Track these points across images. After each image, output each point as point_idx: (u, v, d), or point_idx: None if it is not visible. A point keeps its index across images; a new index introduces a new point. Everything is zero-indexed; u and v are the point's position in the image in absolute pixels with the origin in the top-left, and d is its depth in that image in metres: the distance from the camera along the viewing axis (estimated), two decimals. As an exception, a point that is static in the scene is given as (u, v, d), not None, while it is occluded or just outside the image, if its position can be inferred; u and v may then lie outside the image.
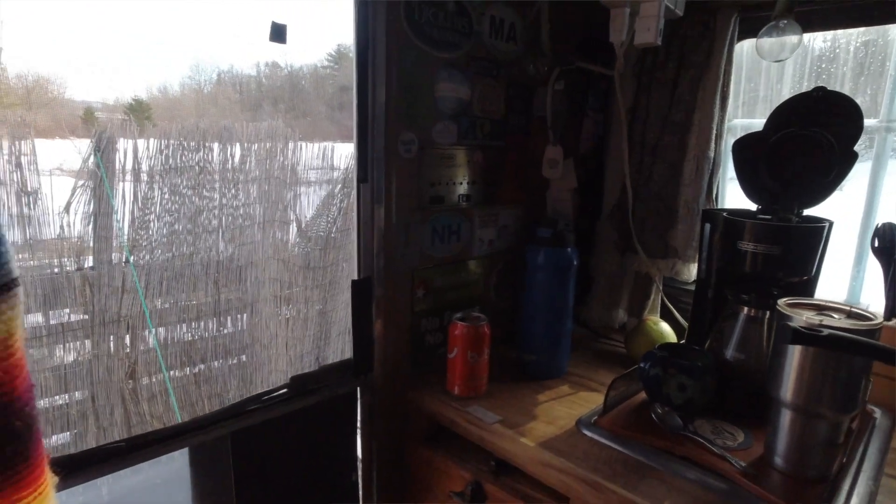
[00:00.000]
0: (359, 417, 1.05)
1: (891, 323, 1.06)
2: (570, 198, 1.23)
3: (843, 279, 1.35)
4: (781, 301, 0.82)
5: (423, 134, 1.02)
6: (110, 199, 2.28)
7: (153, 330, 2.49)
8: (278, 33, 0.79)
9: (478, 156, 1.14)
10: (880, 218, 1.26)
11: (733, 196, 1.33)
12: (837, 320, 0.76)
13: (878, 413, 1.02)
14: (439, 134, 1.05)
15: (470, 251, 1.17)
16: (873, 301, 1.28)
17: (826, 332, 0.62)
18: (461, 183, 1.12)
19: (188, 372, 2.75)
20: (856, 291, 1.35)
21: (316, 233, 3.26)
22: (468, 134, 1.11)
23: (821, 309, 0.83)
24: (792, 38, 0.88)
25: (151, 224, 2.45)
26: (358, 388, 1.03)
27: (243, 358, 3.05)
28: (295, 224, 3.22)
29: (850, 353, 0.67)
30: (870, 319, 0.76)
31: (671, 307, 1.28)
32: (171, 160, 2.47)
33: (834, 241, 1.28)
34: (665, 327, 1.22)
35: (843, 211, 1.29)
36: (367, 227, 0.97)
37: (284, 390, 0.91)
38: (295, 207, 3.17)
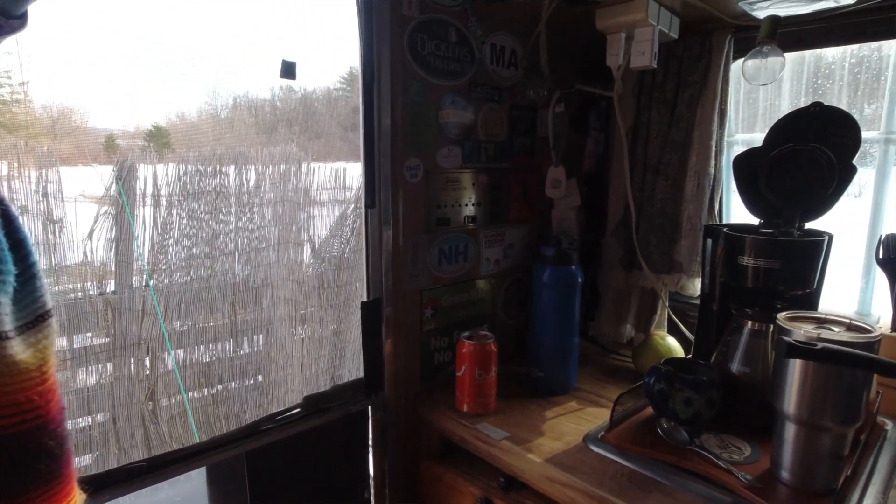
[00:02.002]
0: (370, 435, 1.08)
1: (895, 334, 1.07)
2: (575, 216, 1.25)
3: (854, 289, 1.35)
4: (781, 315, 0.83)
5: (429, 159, 1.06)
6: (131, 225, 2.36)
7: (172, 352, 2.54)
8: (288, 71, 0.84)
9: (482, 178, 1.17)
10: (886, 229, 1.27)
11: (739, 210, 1.34)
12: (836, 333, 0.77)
13: (889, 425, 1.02)
14: (444, 158, 1.08)
15: (477, 271, 1.20)
16: (884, 311, 1.28)
17: (820, 345, 0.64)
18: (467, 205, 1.15)
19: (206, 393, 2.80)
20: (866, 302, 1.35)
21: (329, 253, 3.31)
22: (472, 157, 1.14)
23: (821, 322, 0.84)
24: (776, 63, 0.91)
25: (170, 248, 2.52)
26: (369, 407, 1.06)
27: (259, 378, 3.09)
28: (309, 245, 3.28)
29: (845, 365, 0.68)
30: (869, 332, 0.77)
31: (678, 322, 1.29)
32: (188, 186, 2.55)
33: (846, 250, 1.29)
34: (672, 342, 1.23)
35: (861, 218, 1.30)
36: (375, 250, 1.00)
37: (298, 409, 0.94)
38: (308, 228, 3.23)
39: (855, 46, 1.17)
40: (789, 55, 1.26)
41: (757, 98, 1.30)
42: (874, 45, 1.15)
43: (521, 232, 1.28)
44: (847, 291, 1.36)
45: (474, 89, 1.12)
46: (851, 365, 0.66)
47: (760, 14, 0.90)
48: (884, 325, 1.09)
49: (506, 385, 1.17)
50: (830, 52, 1.21)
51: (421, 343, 1.12)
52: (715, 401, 0.95)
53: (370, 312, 1.01)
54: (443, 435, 1.07)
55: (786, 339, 0.64)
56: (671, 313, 1.30)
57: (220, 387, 2.89)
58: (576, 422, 1.04)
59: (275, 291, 3.08)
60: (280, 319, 3.13)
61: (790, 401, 0.79)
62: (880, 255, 1.10)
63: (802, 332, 0.77)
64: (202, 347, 2.75)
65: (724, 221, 1.40)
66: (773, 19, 0.87)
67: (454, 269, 1.15)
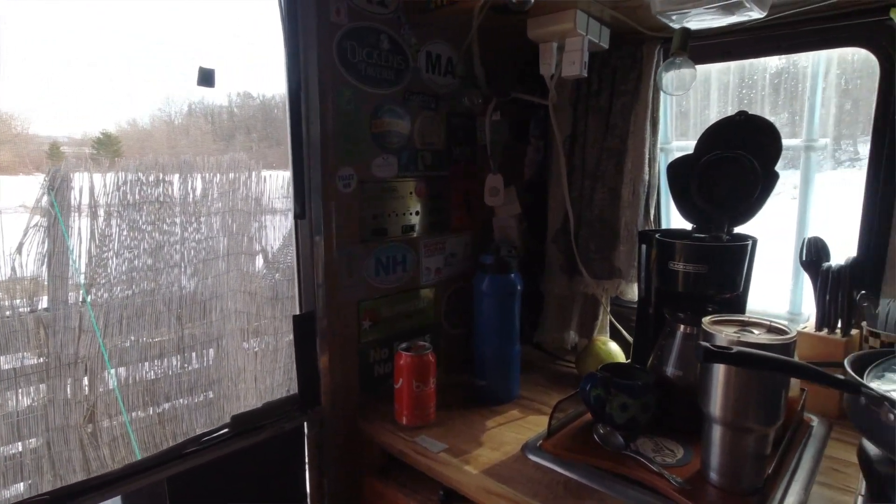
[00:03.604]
0: (307, 453, 1.04)
1: (822, 333, 1.11)
2: (516, 224, 1.26)
3: (787, 290, 1.40)
4: (706, 319, 0.85)
5: (363, 168, 1.04)
6: (65, 238, 2.24)
7: (112, 371, 2.42)
8: (206, 78, 0.80)
9: (420, 187, 1.16)
10: (811, 232, 1.32)
11: (679, 216, 1.37)
12: (755, 336, 0.79)
13: (815, 421, 1.05)
14: (379, 168, 1.07)
15: (417, 280, 1.19)
16: (814, 310, 1.33)
17: (735, 349, 0.65)
18: (404, 214, 1.14)
19: (152, 412, 2.68)
20: (796, 302, 1.40)
21: (284, 263, 3.23)
22: (410, 166, 1.13)
23: (744, 325, 0.86)
24: (688, 74, 0.93)
25: (110, 261, 2.41)
26: (305, 423, 1.03)
27: (210, 394, 2.98)
28: (262, 255, 3.20)
29: (758, 368, 0.69)
30: (786, 334, 0.79)
31: (619, 326, 1.31)
32: (129, 196, 2.44)
33: (782, 251, 1.33)
34: (613, 347, 1.24)
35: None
36: (306, 262, 0.98)
37: (225, 430, 0.90)
38: (261, 238, 3.15)
39: (775, 58, 1.21)
40: (717, 66, 1.31)
41: (688, 108, 1.34)
42: (792, 57, 1.20)
43: (463, 240, 1.28)
44: (781, 291, 1.41)
45: (410, 97, 1.11)
46: (764, 368, 0.68)
47: (677, 25, 0.93)
48: (810, 325, 1.13)
49: (449, 395, 1.16)
50: (753, 63, 1.26)
51: (359, 355, 1.09)
52: (650, 405, 0.96)
53: (303, 326, 0.99)
54: (384, 449, 1.05)
55: (703, 344, 0.65)
56: (612, 318, 1.32)
57: (167, 405, 2.77)
58: (516, 430, 1.04)
59: (225, 303, 2.98)
60: (231, 332, 3.03)
61: (715, 403, 0.80)
62: (804, 258, 1.14)
63: (724, 335, 0.78)
64: (146, 364, 2.63)
65: (664, 227, 1.43)
66: (684, 31, 0.89)
67: (393, 279, 1.13)
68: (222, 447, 0.88)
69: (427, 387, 1.03)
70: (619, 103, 1.19)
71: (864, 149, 1.45)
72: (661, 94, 1.22)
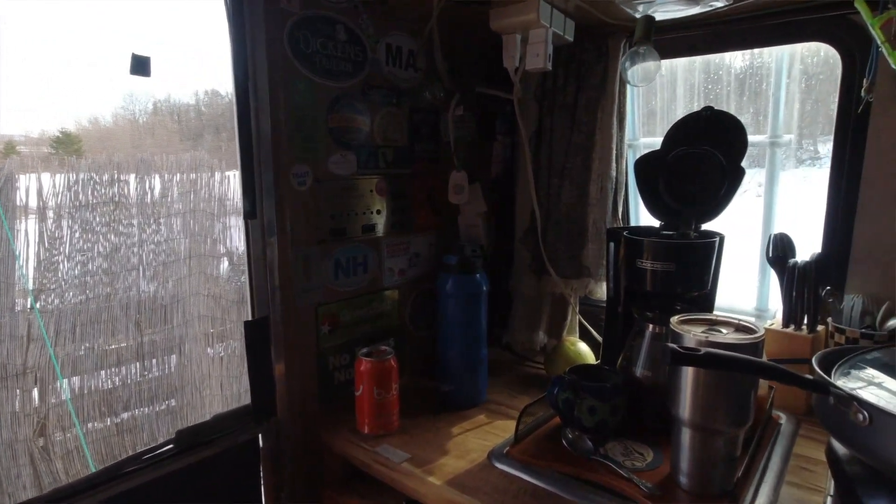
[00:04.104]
0: (262, 466, 0.98)
1: (788, 330, 1.10)
2: (482, 222, 1.22)
3: (754, 286, 1.40)
4: (673, 319, 0.82)
5: (319, 165, 0.99)
6: (10, 242, 2.12)
7: (64, 381, 2.31)
8: (140, 66, 0.74)
9: (382, 185, 1.11)
10: (777, 228, 1.32)
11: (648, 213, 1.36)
12: (723, 335, 0.77)
13: (783, 419, 1.04)
14: (337, 165, 1.02)
15: (380, 282, 1.14)
16: (780, 306, 1.33)
17: (703, 351, 0.62)
18: (364, 213, 1.09)
19: (109, 423, 2.56)
20: (763, 298, 1.40)
21: (250, 265, 3.13)
22: (370, 163, 1.08)
23: (712, 324, 0.84)
24: (652, 65, 0.91)
25: (60, 265, 2.29)
26: (260, 435, 0.97)
27: (172, 402, 2.87)
28: (227, 257, 3.09)
29: (726, 370, 0.67)
30: (754, 332, 0.77)
31: (588, 326, 1.28)
32: (81, 196, 2.33)
33: (749, 248, 1.33)
34: (583, 347, 1.22)
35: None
36: (258, 265, 0.92)
37: (170, 446, 0.84)
38: (226, 240, 3.05)
39: (739, 59, 1.21)
40: (683, 64, 1.30)
41: (655, 103, 1.32)
42: (756, 53, 1.20)
43: (428, 240, 1.23)
44: (748, 288, 1.41)
45: (370, 91, 1.06)
46: (733, 369, 0.65)
47: (639, 15, 0.90)
48: (777, 321, 1.13)
49: (415, 401, 1.12)
50: (718, 63, 1.25)
51: (318, 362, 1.04)
52: (619, 407, 0.94)
53: (256, 332, 0.93)
54: (345, 460, 1.00)
55: (670, 346, 0.62)
56: (582, 318, 1.29)
57: (126, 415, 2.65)
58: (483, 437, 1.00)
59: (188, 307, 2.88)
60: (195, 337, 2.93)
61: (684, 406, 0.78)
62: (770, 254, 1.14)
63: (692, 335, 0.76)
64: (103, 373, 2.51)
65: (633, 224, 1.41)
66: (648, 20, 0.87)
67: (353, 281, 1.08)
68: (167, 465, 0.82)
69: (389, 393, 0.98)
70: (585, 98, 1.16)
71: (824, 148, 1.46)
72: (628, 88, 1.20)
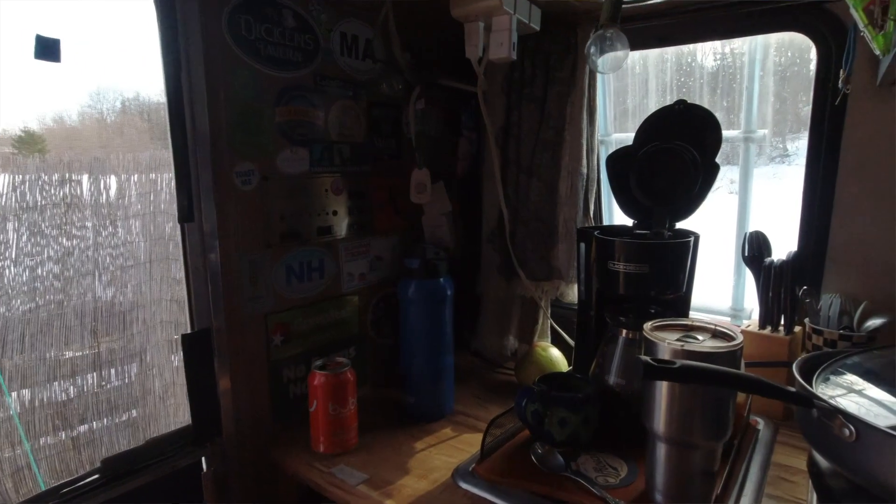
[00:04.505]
0: (205, 493, 0.90)
1: (765, 331, 1.06)
2: (447, 222, 1.15)
3: (730, 284, 1.36)
4: (647, 325, 0.77)
5: (266, 163, 0.91)
6: (-51, 248, 1.98)
7: (11, 394, 2.17)
8: (47, 49, 0.65)
9: (338, 184, 1.04)
10: (752, 226, 1.29)
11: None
12: (699, 343, 0.72)
13: (760, 424, 1.00)
14: (287, 162, 0.94)
15: (338, 288, 1.06)
16: (756, 305, 1.30)
17: (678, 364, 0.56)
18: (319, 214, 1.01)
19: (64, 437, 2.42)
20: (738, 298, 1.37)
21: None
22: (324, 160, 1.01)
23: (688, 329, 0.79)
24: (621, 51, 0.86)
25: (6, 270, 2.15)
26: (203, 458, 0.89)
27: (134, 413, 2.74)
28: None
29: (703, 383, 0.62)
30: (732, 339, 0.72)
31: (560, 331, 1.23)
32: (28, 197, 2.19)
33: (723, 246, 1.29)
34: (554, 353, 1.16)
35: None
36: (198, 272, 0.84)
37: (96, 476, 0.75)
38: (190, 242, 2.92)
39: (712, 50, 1.16)
40: (653, 52, 1.25)
41: (626, 97, 1.27)
42: (730, 46, 1.15)
43: (390, 242, 1.16)
44: (722, 287, 1.37)
45: (323, 83, 0.98)
46: (711, 383, 0.60)
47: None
48: (754, 322, 1.09)
49: (378, 414, 1.05)
50: (690, 51, 1.20)
51: (270, 375, 0.96)
52: (592, 419, 0.88)
53: (195, 346, 0.85)
54: (299, 482, 0.92)
55: (643, 358, 0.57)
56: (553, 322, 1.23)
57: (82, 428, 2.51)
58: (448, 453, 0.94)
59: (148, 314, 2.75)
60: (157, 345, 2.80)
61: (659, 419, 0.72)
62: (745, 253, 1.10)
63: (666, 344, 0.70)
64: (56, 384, 2.38)
65: (606, 224, 1.36)
66: (615, 0, 0.81)
67: (308, 287, 1.00)
68: (91, 497, 0.74)
69: (346, 409, 0.91)
70: (553, 91, 1.10)
71: (792, 146, 1.43)
72: (599, 82, 1.14)
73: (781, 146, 1.60)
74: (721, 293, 1.38)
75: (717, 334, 0.76)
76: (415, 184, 1.08)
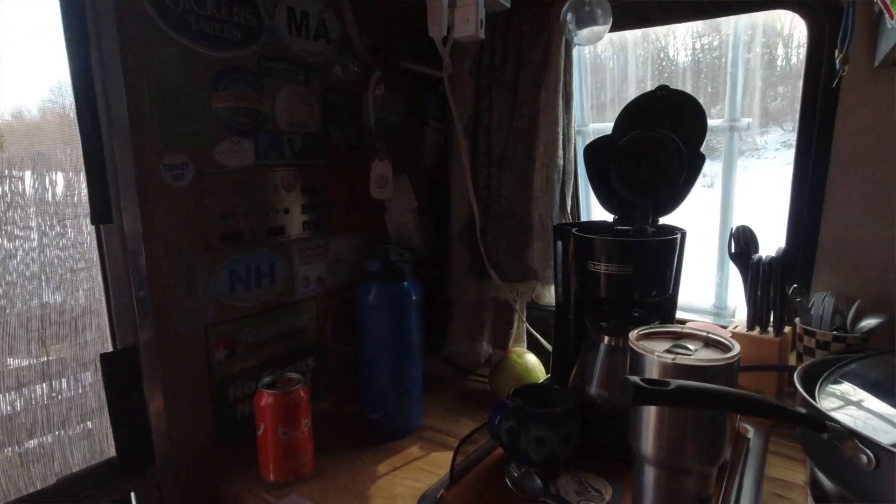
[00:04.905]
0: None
1: (754, 333, 0.99)
2: (414, 220, 1.06)
3: (710, 281, 1.30)
4: (633, 334, 0.69)
5: (202, 155, 0.80)
6: None
7: (-55, 410, 1.99)
8: None
9: (290, 178, 0.93)
10: (736, 220, 1.22)
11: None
12: (693, 353, 0.64)
13: (751, 432, 0.93)
14: (227, 154, 0.83)
15: (291, 293, 0.96)
16: (740, 301, 1.24)
17: (673, 384, 0.48)
18: (268, 213, 0.91)
19: (11, 452, 2.26)
20: (722, 296, 1.30)
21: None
22: (272, 152, 0.90)
23: (677, 337, 0.71)
24: (600, 24, 0.77)
25: (-63, 278, 1.97)
26: (132, 494, 0.78)
27: (89, 424, 2.58)
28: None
29: (702, 406, 0.54)
30: (727, 349, 0.64)
31: (537, 335, 1.14)
32: (-40, 197, 2.01)
33: (702, 241, 1.22)
34: (531, 360, 1.07)
35: (715, 208, 1.24)
36: (120, 281, 0.72)
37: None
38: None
39: (698, 28, 1.09)
40: (634, 34, 1.17)
41: (605, 84, 1.19)
42: (715, 27, 1.08)
43: (351, 242, 1.06)
44: (704, 283, 1.31)
45: (268, 65, 0.87)
46: (711, 405, 0.52)
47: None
48: (741, 322, 1.02)
49: (339, 431, 0.96)
50: (673, 32, 1.13)
51: (214, 395, 0.86)
52: (572, 436, 0.80)
53: (118, 367, 0.73)
54: (246, 514, 0.82)
55: (631, 379, 0.48)
56: (529, 326, 1.15)
57: (32, 442, 2.35)
58: (415, 476, 0.84)
59: (104, 319, 2.58)
60: (114, 351, 2.63)
61: (647, 441, 0.64)
62: (732, 250, 1.02)
63: (656, 357, 0.62)
64: (0, 398, 2.20)
65: (584, 219, 1.28)
66: None
67: (256, 294, 0.90)
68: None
69: (298, 431, 0.81)
70: (526, 76, 1.01)
71: (761, 139, 1.37)
72: (575, 67, 1.06)
73: (751, 140, 1.54)
74: (702, 290, 1.32)
75: (709, 343, 0.68)
76: (375, 177, 0.97)
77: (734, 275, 1.23)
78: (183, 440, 0.81)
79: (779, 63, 1.15)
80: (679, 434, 0.62)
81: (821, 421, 0.51)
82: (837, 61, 0.78)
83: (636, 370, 0.64)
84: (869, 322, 0.90)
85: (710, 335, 0.69)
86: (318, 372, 1.03)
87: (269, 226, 0.91)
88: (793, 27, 1.14)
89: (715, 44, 1.12)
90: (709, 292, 1.32)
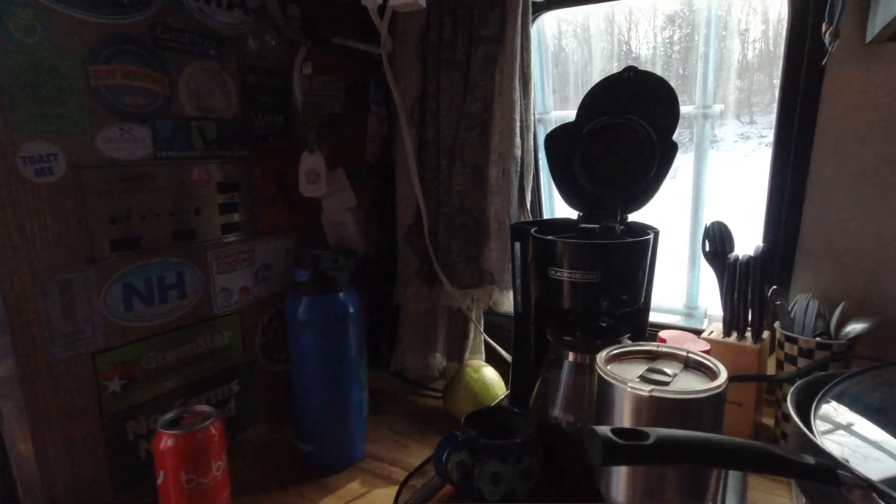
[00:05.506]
0: None
1: (731, 339, 0.90)
2: (352, 219, 0.93)
3: (679, 279, 1.22)
4: (600, 356, 0.58)
5: (78, 144, 0.65)
6: None
7: None
8: None
9: (202, 173, 0.79)
10: (707, 215, 1.13)
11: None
12: (671, 379, 0.53)
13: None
14: (114, 144, 0.68)
15: (208, 307, 0.82)
16: (712, 302, 1.15)
17: (652, 437, 0.37)
18: (174, 214, 0.76)
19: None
20: (693, 295, 1.22)
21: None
22: (177, 142, 0.75)
23: (653, 358, 0.60)
24: None
25: None
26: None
27: None
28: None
29: (691, 463, 0.43)
30: (713, 373, 0.54)
31: (496, 346, 1.03)
32: None
33: (669, 238, 1.13)
34: (489, 375, 0.96)
35: (678, 202, 1.16)
36: (-37, 304, 0.58)
37: None
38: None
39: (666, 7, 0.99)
40: (599, 9, 1.06)
41: (567, 67, 1.08)
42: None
43: (283, 245, 0.93)
44: (672, 281, 1.22)
45: (165, 35, 0.73)
46: (702, 462, 0.41)
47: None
48: (717, 328, 0.92)
49: (268, 464, 0.83)
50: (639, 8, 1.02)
51: (109, 433, 0.71)
52: (533, 470, 0.69)
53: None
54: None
55: (600, 432, 0.37)
56: (487, 337, 1.04)
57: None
58: (352, 520, 0.72)
59: None
60: None
61: (618, 489, 0.53)
62: (707, 248, 0.93)
63: (629, 388, 0.51)
64: None
65: (548, 217, 1.17)
66: None
67: (160, 311, 0.75)
68: None
69: (208, 477, 0.67)
70: (479, 55, 0.89)
71: (720, 131, 1.29)
72: (535, 47, 0.94)
73: (710, 131, 1.47)
74: (671, 289, 1.23)
75: (690, 364, 0.58)
76: (304, 171, 0.84)
77: (704, 273, 1.15)
78: (62, 489, 0.67)
79: (736, 57, 1.08)
80: (658, 479, 0.52)
81: (833, 473, 0.41)
82: (827, 36, 0.68)
83: (605, 403, 0.53)
84: (854, 327, 0.81)
85: (690, 355, 0.58)
86: (246, 395, 0.90)
87: (176, 229, 0.76)
88: (748, 22, 1.08)
89: (685, 32, 1.03)
90: (678, 291, 1.23)
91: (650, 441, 0.37)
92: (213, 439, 0.67)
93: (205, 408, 0.70)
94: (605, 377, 0.53)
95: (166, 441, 0.65)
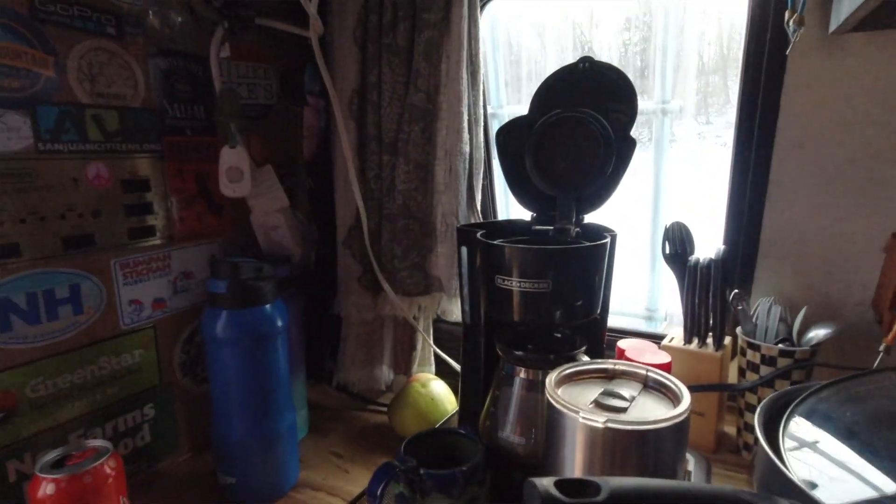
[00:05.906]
0: None
1: (692, 347, 0.85)
2: (286, 222, 0.83)
3: (638, 281, 1.17)
4: (551, 378, 0.51)
5: (-70, 133, 0.54)
6: None
7: None
8: None
9: (100, 170, 0.69)
10: (666, 215, 1.09)
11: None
12: (629, 404, 0.47)
13: (691, 463, 0.78)
14: (-19, 133, 0.57)
15: (113, 323, 0.71)
16: (671, 303, 1.11)
17: (604, 492, 0.30)
18: (65, 217, 0.66)
19: None
20: (654, 298, 1.18)
21: None
22: (67, 134, 0.65)
23: (609, 378, 0.54)
24: None
25: None
26: None
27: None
28: None
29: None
30: (675, 396, 0.48)
31: (445, 357, 0.96)
32: None
33: (629, 238, 1.08)
34: (437, 389, 0.89)
35: (635, 202, 1.11)
36: None
37: None
38: None
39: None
40: (554, 23, 1.00)
41: (520, 57, 1.02)
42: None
43: (205, 251, 0.83)
44: (629, 283, 1.17)
45: (46, 7, 0.62)
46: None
47: None
48: (677, 336, 0.87)
49: (188, 496, 0.73)
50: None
51: (-20, 478, 0.60)
52: (479, 501, 0.62)
53: None
54: None
55: (540, 487, 0.30)
56: (436, 348, 0.96)
57: None
58: (277, 565, 0.63)
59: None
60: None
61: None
62: (667, 251, 0.88)
63: (581, 418, 0.44)
64: None
65: (503, 218, 1.11)
66: None
67: (48, 330, 0.65)
68: None
69: (100, 527, 0.57)
70: (422, 40, 0.81)
71: (679, 130, 1.25)
72: (483, 38, 0.87)
73: (670, 129, 1.45)
74: (629, 291, 1.18)
75: (650, 385, 0.52)
76: (225, 168, 0.74)
77: (664, 275, 1.11)
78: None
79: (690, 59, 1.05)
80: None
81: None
82: (791, 24, 0.63)
83: (555, 434, 0.46)
84: (817, 333, 0.78)
85: (649, 374, 0.52)
86: (163, 420, 0.80)
87: (67, 235, 0.66)
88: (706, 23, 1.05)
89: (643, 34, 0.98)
90: (639, 294, 1.19)
91: (601, 498, 0.30)
92: (106, 480, 0.58)
93: (98, 443, 0.60)
94: (556, 405, 0.47)
95: (45, 487, 0.54)
